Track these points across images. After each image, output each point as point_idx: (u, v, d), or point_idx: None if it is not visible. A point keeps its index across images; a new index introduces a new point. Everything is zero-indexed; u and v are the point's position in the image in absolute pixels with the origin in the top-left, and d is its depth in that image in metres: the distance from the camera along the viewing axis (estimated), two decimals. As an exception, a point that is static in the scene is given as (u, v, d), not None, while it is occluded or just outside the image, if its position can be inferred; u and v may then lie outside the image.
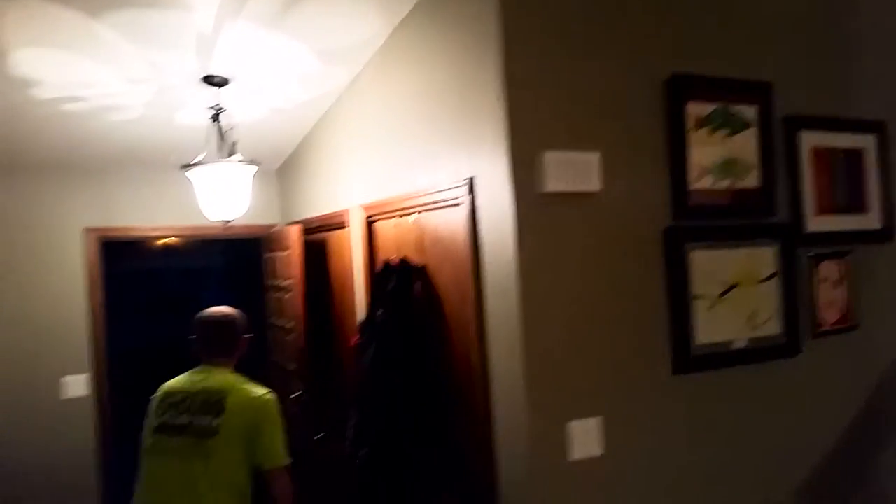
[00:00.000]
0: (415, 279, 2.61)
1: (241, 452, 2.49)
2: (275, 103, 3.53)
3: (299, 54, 2.95)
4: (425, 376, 2.48)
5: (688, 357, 2.14)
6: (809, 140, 2.43)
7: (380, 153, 3.07)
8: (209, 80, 3.09)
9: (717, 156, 2.23)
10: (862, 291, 2.52)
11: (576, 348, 2.02)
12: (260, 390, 2.61)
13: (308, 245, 3.90)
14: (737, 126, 2.28)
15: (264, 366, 4.42)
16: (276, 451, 2.52)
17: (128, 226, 4.29)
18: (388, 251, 2.91)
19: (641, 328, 2.11)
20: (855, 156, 2.54)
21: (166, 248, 7.15)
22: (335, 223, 3.60)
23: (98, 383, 4.13)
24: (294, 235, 3.86)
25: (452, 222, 2.37)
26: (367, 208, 3.13)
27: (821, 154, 2.46)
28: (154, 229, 4.45)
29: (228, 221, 3.44)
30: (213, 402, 2.52)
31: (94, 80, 3.00)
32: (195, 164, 3.21)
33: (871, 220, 2.56)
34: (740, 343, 2.24)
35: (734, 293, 2.23)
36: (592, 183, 1.99)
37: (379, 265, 2.84)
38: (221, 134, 3.26)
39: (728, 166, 2.25)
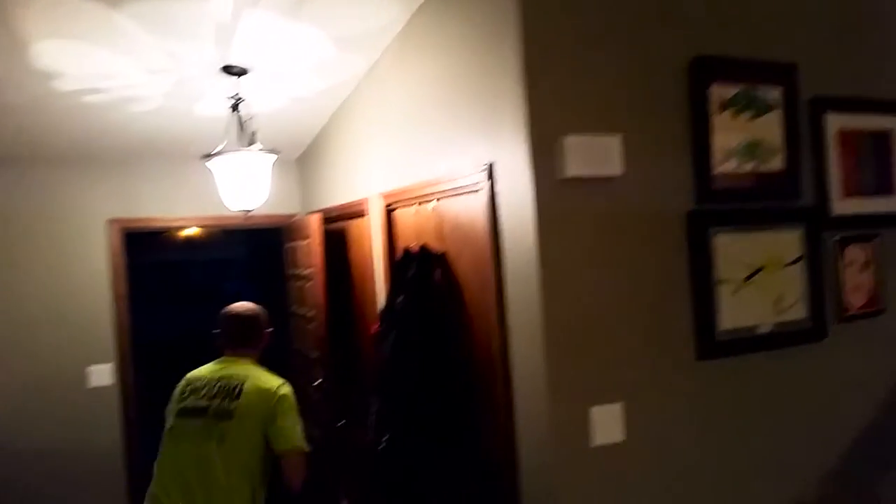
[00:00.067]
0: (434, 266, 2.60)
1: (256, 437, 2.60)
2: (293, 92, 3.53)
3: (317, 42, 2.94)
4: (445, 363, 2.48)
5: (712, 342, 2.12)
6: (835, 122, 2.39)
7: (398, 141, 3.06)
8: (228, 69, 3.09)
9: (741, 138, 2.19)
10: (889, 275, 2.48)
11: (597, 334, 2.00)
12: (276, 380, 2.75)
13: (328, 234, 3.91)
14: (761, 108, 2.24)
15: (286, 354, 4.45)
16: (289, 435, 2.62)
17: (150, 216, 4.32)
18: (408, 239, 2.90)
19: (664, 314, 2.09)
20: (882, 137, 2.49)
21: (189, 240, 7.21)
22: (355, 212, 3.60)
23: (123, 372, 4.18)
24: (314, 224, 3.87)
25: (472, 209, 2.36)
26: (386, 196, 3.13)
27: (847, 136, 2.41)
28: (176, 220, 4.48)
29: (249, 211, 3.45)
30: (231, 388, 2.66)
31: (113, 72, 3.02)
32: (215, 154, 3.22)
33: (898, 202, 2.52)
34: (765, 328, 2.21)
35: (759, 277, 2.20)
36: (614, 167, 1.97)
37: (399, 253, 2.84)
38: (241, 124, 3.26)
39: (752, 149, 2.21)
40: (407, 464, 2.52)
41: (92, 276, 4.13)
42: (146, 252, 5.50)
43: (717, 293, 2.13)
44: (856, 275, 2.42)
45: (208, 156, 3.25)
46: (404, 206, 2.97)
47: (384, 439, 2.57)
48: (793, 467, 2.28)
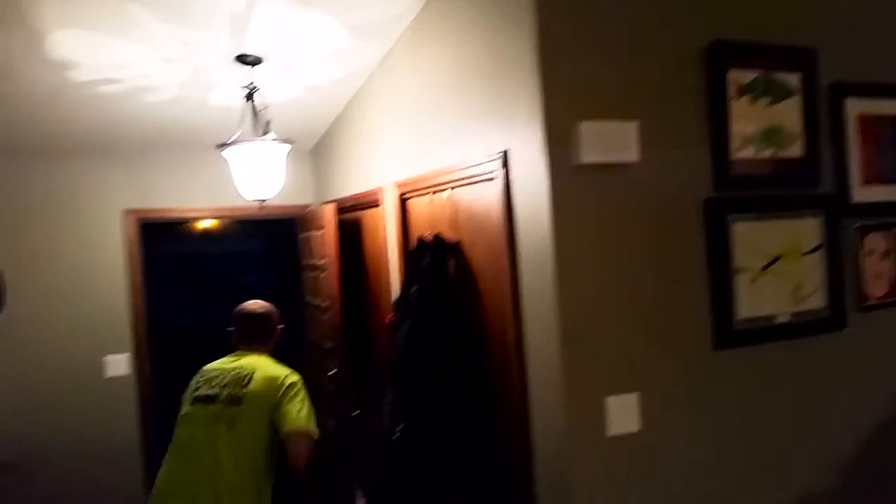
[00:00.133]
0: (449, 256, 2.59)
1: (264, 423, 2.69)
2: (307, 82, 3.53)
3: (331, 30, 2.93)
4: (460, 352, 2.47)
5: (730, 332, 2.09)
6: (856, 107, 2.35)
7: (412, 130, 3.04)
8: (242, 59, 3.09)
9: (759, 125, 2.16)
10: (911, 264, 2.44)
11: (613, 324, 1.98)
12: (285, 370, 2.86)
13: (342, 224, 3.91)
14: (779, 94, 2.20)
15: (301, 345, 4.47)
16: (295, 416, 2.69)
17: (165, 207, 4.34)
18: (422, 228, 2.89)
19: (681, 302, 2.07)
20: (904, 123, 2.45)
21: (206, 233, 7.24)
22: (369, 201, 3.59)
23: (140, 362, 4.21)
24: (328, 214, 3.87)
25: (486, 197, 2.34)
26: (400, 186, 3.12)
27: (868, 121, 2.37)
28: (191, 210, 4.50)
29: (264, 201, 3.45)
30: (241, 377, 2.78)
31: (128, 61, 3.02)
32: (230, 144, 3.23)
33: (920, 190, 2.47)
34: (784, 317, 2.18)
35: (777, 266, 2.17)
36: (630, 153, 1.94)
37: (413, 243, 2.83)
38: (255, 113, 3.26)
39: (770, 135, 2.18)
40: (421, 453, 2.52)
41: (108, 267, 4.16)
42: (163, 244, 5.52)
43: (734, 282, 2.10)
44: (876, 263, 2.38)
45: (223, 145, 3.25)
46: (418, 195, 2.96)
47: (398, 429, 2.57)
48: (811, 458, 2.25)
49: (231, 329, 3.01)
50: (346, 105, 3.94)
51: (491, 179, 2.27)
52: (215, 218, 5.80)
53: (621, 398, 1.97)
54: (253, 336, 2.98)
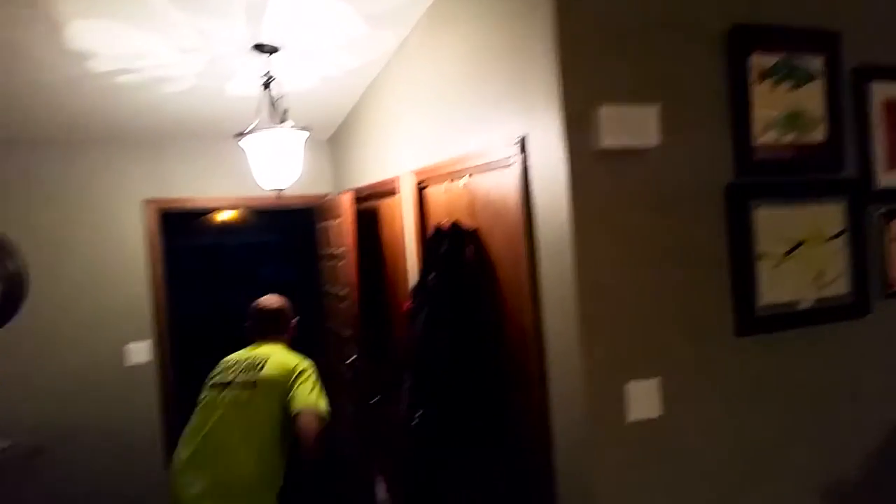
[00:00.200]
0: (466, 243, 2.59)
1: (277, 406, 2.80)
2: (324, 71, 3.52)
3: (347, 19, 2.92)
4: (477, 339, 2.47)
5: (751, 318, 2.07)
6: (880, 92, 2.31)
7: (429, 117, 3.03)
8: (259, 47, 3.09)
9: (781, 109, 2.13)
10: (936, 250, 2.40)
11: (633, 309, 1.97)
12: (298, 358, 2.99)
13: (360, 213, 3.92)
14: (802, 78, 2.17)
15: (320, 334, 4.49)
16: (306, 396, 2.79)
17: (185, 197, 4.37)
18: (439, 216, 2.89)
19: (702, 289, 2.05)
20: (930, 107, 2.41)
21: (224, 225, 7.30)
22: (386, 190, 3.59)
23: (160, 351, 4.25)
24: (346, 203, 3.88)
25: (504, 184, 2.33)
26: (417, 174, 3.11)
27: (892, 106, 2.33)
28: (210, 200, 4.52)
29: (281, 190, 3.46)
30: (256, 363, 2.93)
31: (145, 51, 3.04)
32: (247, 133, 3.23)
33: (946, 175, 2.43)
34: (806, 303, 2.16)
35: (800, 252, 2.14)
36: (650, 138, 1.92)
37: (430, 231, 2.82)
38: (272, 103, 3.27)
39: (792, 120, 2.15)
40: (440, 440, 2.52)
41: (129, 257, 4.20)
42: (183, 237, 5.57)
43: (756, 268, 2.08)
44: (901, 249, 2.35)
45: (241, 135, 3.26)
46: (436, 183, 2.95)
47: (417, 415, 2.58)
48: (833, 446, 2.23)
49: (247, 324, 3.16)
50: (363, 94, 3.93)
51: (509, 165, 2.26)
52: (234, 208, 5.82)
53: (642, 383, 1.96)
54: (267, 330, 3.13)
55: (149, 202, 4.25)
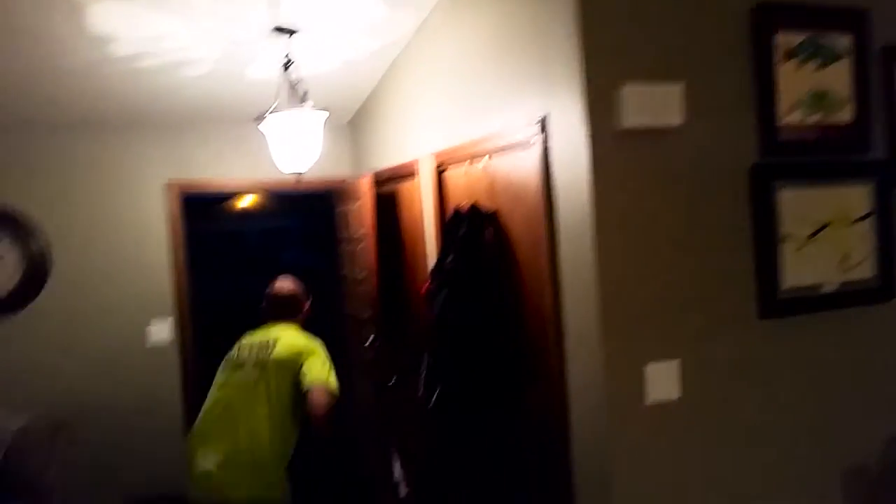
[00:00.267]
0: (486, 225, 2.57)
1: (287, 384, 2.98)
2: (344, 54, 3.51)
3: (367, 0, 2.91)
4: (496, 321, 2.46)
5: (774, 301, 2.05)
6: (910, 71, 2.27)
7: (449, 99, 3.02)
8: (279, 30, 3.08)
9: (807, 89, 2.10)
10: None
11: (654, 291, 1.95)
12: (308, 339, 3.17)
13: (379, 196, 3.91)
14: (828, 57, 2.14)
15: (340, 318, 4.50)
16: (316, 373, 2.96)
17: (205, 180, 4.38)
18: (459, 199, 2.88)
19: (725, 271, 2.03)
20: (961, 87, 2.35)
21: (244, 211, 7.34)
22: (405, 173, 3.58)
23: (182, 332, 4.28)
24: (365, 187, 3.88)
25: (524, 165, 2.31)
26: (437, 156, 3.10)
27: (922, 86, 2.29)
28: (231, 183, 4.53)
29: (301, 174, 3.46)
30: (267, 343, 3.12)
31: (165, 34, 3.04)
32: (267, 115, 3.23)
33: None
34: (830, 287, 2.13)
35: (825, 234, 2.11)
36: (673, 117, 1.89)
37: (449, 214, 2.82)
38: (292, 85, 3.26)
39: (818, 100, 2.12)
40: (457, 421, 2.52)
41: (151, 240, 4.22)
42: (204, 222, 5.60)
43: (780, 250, 2.06)
44: (929, 233, 2.31)
45: (260, 117, 3.25)
46: (455, 165, 2.94)
47: (435, 396, 2.58)
48: (855, 430, 2.21)
49: (262, 306, 3.33)
50: (382, 77, 3.92)
51: (529, 147, 2.24)
52: (254, 191, 5.84)
53: (662, 365, 1.95)
54: (281, 313, 3.30)
55: (170, 185, 4.27)
